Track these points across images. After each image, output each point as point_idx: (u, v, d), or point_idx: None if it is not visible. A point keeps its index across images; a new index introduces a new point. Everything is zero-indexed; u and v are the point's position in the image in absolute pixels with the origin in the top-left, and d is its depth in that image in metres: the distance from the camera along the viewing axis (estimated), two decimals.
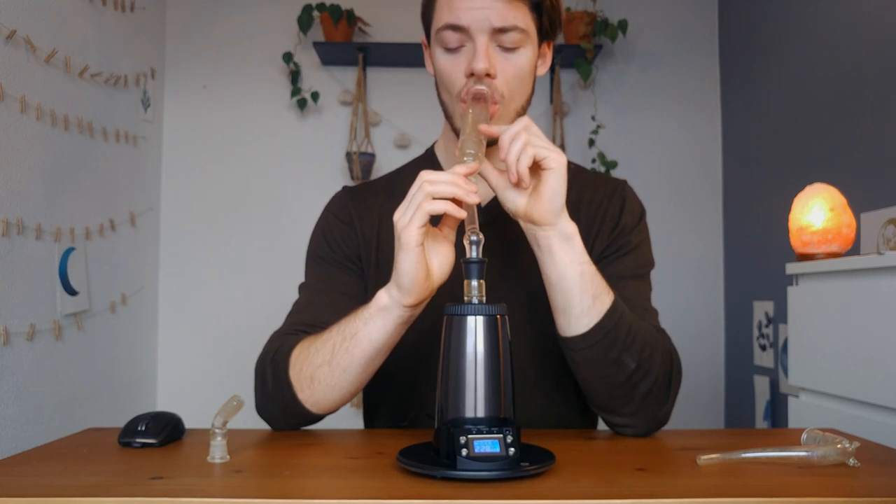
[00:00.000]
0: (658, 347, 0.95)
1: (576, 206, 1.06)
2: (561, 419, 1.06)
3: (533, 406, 1.02)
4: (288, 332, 1.03)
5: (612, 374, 0.92)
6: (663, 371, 0.94)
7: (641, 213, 1.11)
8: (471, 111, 0.92)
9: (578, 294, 0.89)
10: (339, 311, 0.97)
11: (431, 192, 0.81)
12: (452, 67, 0.98)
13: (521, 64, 0.98)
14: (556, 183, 0.86)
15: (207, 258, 2.71)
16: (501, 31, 0.95)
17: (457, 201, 0.83)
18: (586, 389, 0.97)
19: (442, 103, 1.04)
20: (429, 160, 1.14)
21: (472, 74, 0.96)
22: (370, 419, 1.17)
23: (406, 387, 1.07)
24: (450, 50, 0.98)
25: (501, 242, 1.01)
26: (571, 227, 0.90)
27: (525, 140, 0.85)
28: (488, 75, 0.95)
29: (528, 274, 0.95)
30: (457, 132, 1.00)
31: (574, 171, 1.13)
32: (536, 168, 0.87)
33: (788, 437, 1.02)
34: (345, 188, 1.18)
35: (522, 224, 0.92)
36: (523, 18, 0.96)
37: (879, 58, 1.83)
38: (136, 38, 2.46)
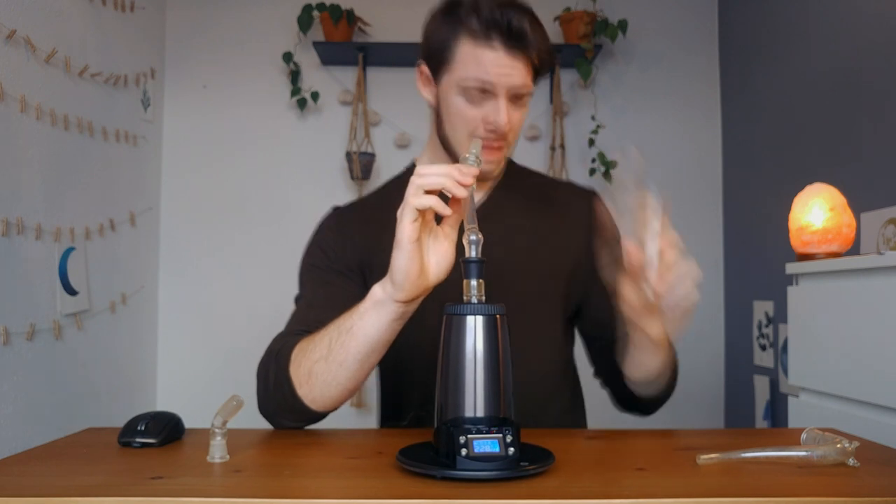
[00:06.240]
0: (676, 369, 1.09)
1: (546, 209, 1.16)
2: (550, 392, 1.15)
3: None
4: (291, 333, 1.04)
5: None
6: (674, 384, 1.11)
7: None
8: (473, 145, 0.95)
9: (656, 374, 1.03)
10: (340, 309, 0.97)
11: (420, 184, 0.82)
12: (474, 116, 1.06)
13: (524, 113, 1.11)
14: (687, 324, 0.94)
15: (207, 258, 2.71)
16: (517, 92, 1.05)
17: (455, 200, 0.83)
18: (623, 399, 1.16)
19: (443, 135, 1.10)
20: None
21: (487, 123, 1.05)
22: (386, 419, 1.19)
23: (413, 385, 1.09)
24: (472, 101, 1.06)
25: (498, 229, 1.06)
26: (660, 331, 0.96)
27: (689, 287, 0.92)
28: None
29: (526, 266, 0.96)
30: (455, 159, 1.08)
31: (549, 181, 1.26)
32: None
33: (788, 436, 1.02)
34: (335, 209, 1.22)
35: (628, 322, 0.96)
36: (531, 79, 1.08)
37: (879, 58, 1.83)
38: (136, 38, 2.46)
